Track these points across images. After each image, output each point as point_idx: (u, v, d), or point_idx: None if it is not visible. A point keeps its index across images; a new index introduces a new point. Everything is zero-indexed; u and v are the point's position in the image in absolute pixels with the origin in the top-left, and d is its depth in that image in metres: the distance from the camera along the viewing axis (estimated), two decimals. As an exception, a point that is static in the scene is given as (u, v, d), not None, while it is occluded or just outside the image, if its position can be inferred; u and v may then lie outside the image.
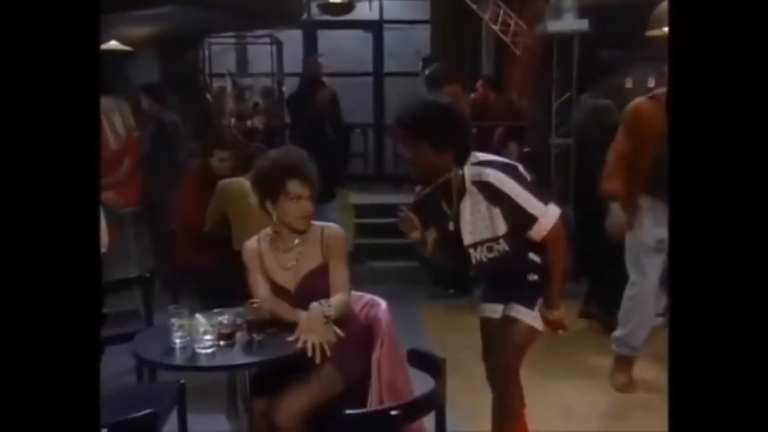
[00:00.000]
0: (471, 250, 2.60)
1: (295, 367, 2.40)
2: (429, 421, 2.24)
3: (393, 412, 1.98)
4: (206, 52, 9.33)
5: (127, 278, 3.99)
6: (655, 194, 3.41)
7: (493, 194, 2.50)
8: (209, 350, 2.27)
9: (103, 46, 5.71)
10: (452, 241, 2.65)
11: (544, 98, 6.34)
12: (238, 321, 2.35)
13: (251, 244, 2.67)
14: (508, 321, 2.68)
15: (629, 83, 5.36)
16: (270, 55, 9.72)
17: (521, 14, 6.92)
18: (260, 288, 2.57)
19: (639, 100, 3.60)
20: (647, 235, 3.56)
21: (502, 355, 2.67)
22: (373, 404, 2.50)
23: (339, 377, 2.47)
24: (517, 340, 2.65)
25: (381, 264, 6.77)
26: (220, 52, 10.10)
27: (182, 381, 2.71)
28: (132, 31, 6.65)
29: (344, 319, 2.51)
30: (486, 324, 2.81)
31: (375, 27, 10.75)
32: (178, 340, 2.30)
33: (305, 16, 9.43)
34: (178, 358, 2.27)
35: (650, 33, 4.84)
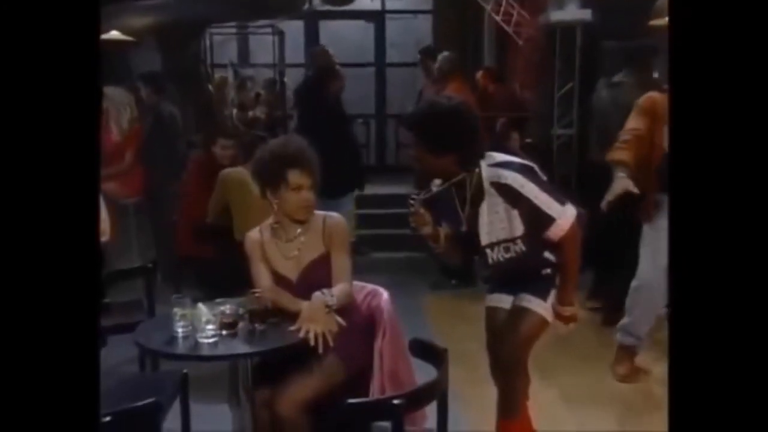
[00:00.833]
0: (488, 250, 2.61)
1: (297, 357, 2.40)
2: (431, 410, 2.25)
3: (395, 401, 1.99)
4: (208, 43, 9.31)
5: (129, 269, 4.01)
6: (666, 190, 3.39)
7: (512, 197, 2.50)
8: (211, 340, 2.27)
9: (104, 36, 5.70)
10: (463, 238, 2.66)
11: (547, 89, 6.32)
12: (240, 311, 2.35)
13: (253, 234, 2.67)
14: (518, 311, 2.68)
15: (656, 73, 5.29)
16: (272, 46, 9.69)
17: (524, 4, 6.89)
18: (262, 278, 2.58)
19: (653, 93, 3.59)
20: (662, 229, 3.54)
21: (511, 346, 2.66)
22: (375, 393, 2.50)
23: (341, 367, 2.47)
24: (528, 330, 2.65)
25: (383, 255, 6.77)
26: (221, 42, 10.08)
27: (185, 370, 2.72)
28: (133, 21, 6.65)
29: (346, 309, 2.51)
30: (492, 314, 2.81)
31: (377, 17, 10.71)
32: (180, 330, 2.30)
33: (307, 6, 9.39)
34: (181, 348, 2.27)
35: (653, 23, 4.81)
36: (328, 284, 2.51)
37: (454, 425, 2.29)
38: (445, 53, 5.85)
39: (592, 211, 4.25)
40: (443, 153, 2.52)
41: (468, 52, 8.73)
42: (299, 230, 2.61)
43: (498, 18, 6.90)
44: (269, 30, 9.61)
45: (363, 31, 10.76)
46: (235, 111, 8.55)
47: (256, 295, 2.40)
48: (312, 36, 10.46)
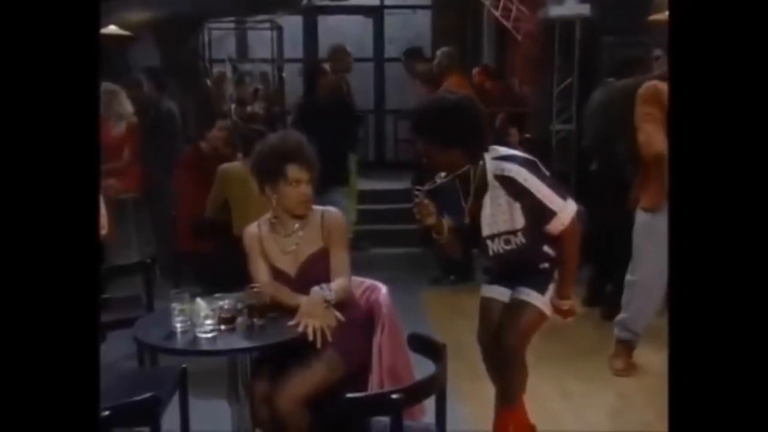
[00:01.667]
0: (488, 242, 2.64)
1: (295, 352, 2.41)
2: (430, 405, 2.25)
3: (394, 396, 1.99)
4: (206, 38, 9.28)
5: (128, 264, 4.01)
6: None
7: (515, 189, 2.53)
8: (210, 335, 2.27)
9: (102, 31, 5.68)
10: (466, 230, 2.68)
11: (546, 84, 6.32)
12: (239, 306, 2.35)
13: (251, 229, 2.67)
14: (516, 304, 2.70)
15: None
16: (270, 41, 9.67)
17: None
18: (261, 273, 2.58)
19: (654, 82, 3.53)
20: (659, 223, 3.51)
21: (509, 339, 2.68)
22: (373, 388, 2.51)
23: (340, 361, 2.48)
24: (526, 323, 2.68)
25: (382, 250, 6.77)
26: (220, 37, 10.04)
27: (183, 365, 2.72)
28: (131, 16, 6.64)
29: (345, 304, 2.51)
30: (486, 304, 2.83)
31: (376, 12, 10.68)
32: (179, 325, 2.30)
33: (305, 1, 9.37)
34: (179, 343, 2.27)
35: (653, 18, 4.81)
36: (327, 279, 2.51)
37: (452, 420, 2.29)
38: (444, 48, 5.83)
39: (590, 206, 4.30)
40: (450, 147, 2.55)
41: (467, 48, 8.72)
42: (297, 225, 2.61)
43: (497, 13, 6.90)
44: (268, 25, 9.59)
45: (362, 26, 10.74)
46: (233, 106, 8.53)
47: (255, 290, 2.41)
48: (310, 31, 10.44)
